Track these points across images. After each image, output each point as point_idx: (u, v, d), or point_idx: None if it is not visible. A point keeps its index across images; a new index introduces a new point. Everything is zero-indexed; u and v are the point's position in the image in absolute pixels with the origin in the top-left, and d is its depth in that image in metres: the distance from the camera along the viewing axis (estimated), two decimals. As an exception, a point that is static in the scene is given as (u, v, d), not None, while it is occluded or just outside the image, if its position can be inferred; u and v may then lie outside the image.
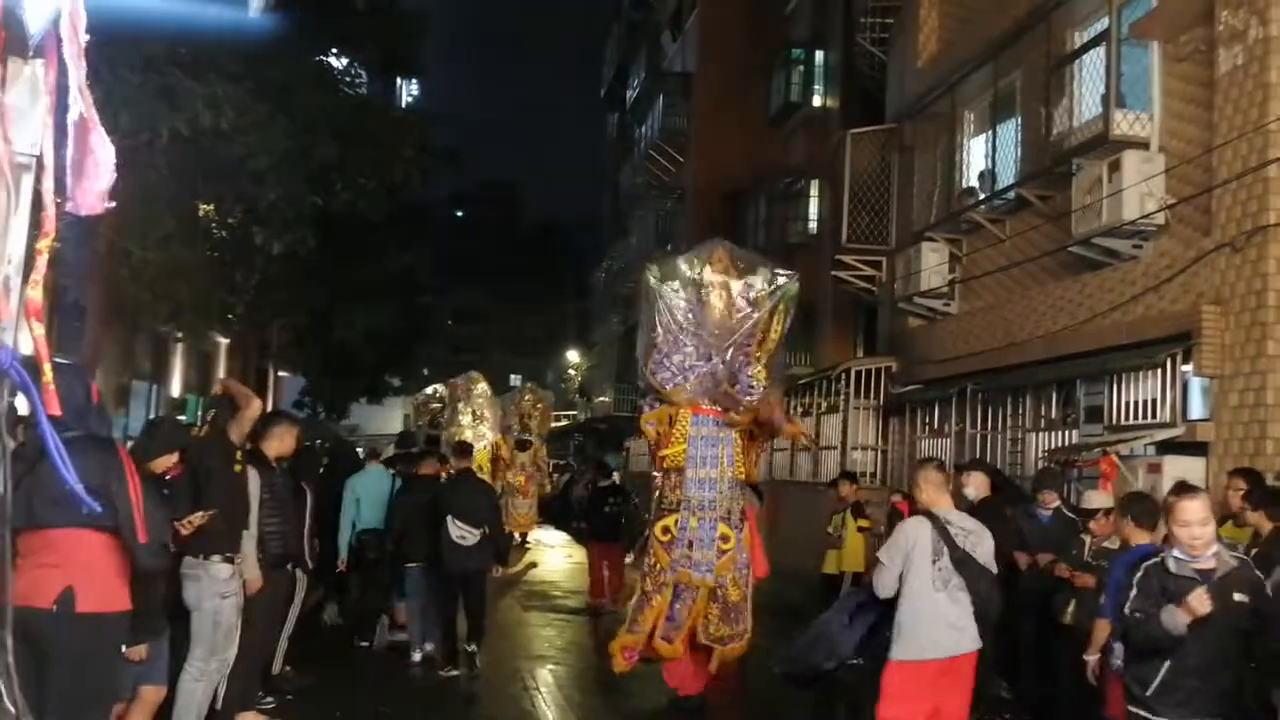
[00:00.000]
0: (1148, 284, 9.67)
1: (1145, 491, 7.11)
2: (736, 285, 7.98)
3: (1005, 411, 12.00)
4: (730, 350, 7.86)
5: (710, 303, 7.93)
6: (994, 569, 5.67)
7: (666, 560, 7.83)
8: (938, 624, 5.45)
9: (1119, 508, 6.40)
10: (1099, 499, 7.41)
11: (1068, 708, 7.35)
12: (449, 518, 8.95)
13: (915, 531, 5.58)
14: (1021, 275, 11.90)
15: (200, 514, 5.62)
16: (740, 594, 7.89)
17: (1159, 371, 9.32)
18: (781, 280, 8.10)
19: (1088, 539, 7.17)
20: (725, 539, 7.81)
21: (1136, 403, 9.65)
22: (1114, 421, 9.87)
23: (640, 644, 7.88)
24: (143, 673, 5.23)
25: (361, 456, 12.38)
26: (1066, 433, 10.81)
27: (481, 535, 9.05)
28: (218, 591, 5.99)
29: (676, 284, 7.98)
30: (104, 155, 1.67)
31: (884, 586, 5.59)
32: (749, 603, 7.97)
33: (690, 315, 7.90)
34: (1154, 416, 9.37)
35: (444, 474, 10.31)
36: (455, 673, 8.90)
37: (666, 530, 7.89)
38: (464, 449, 10.88)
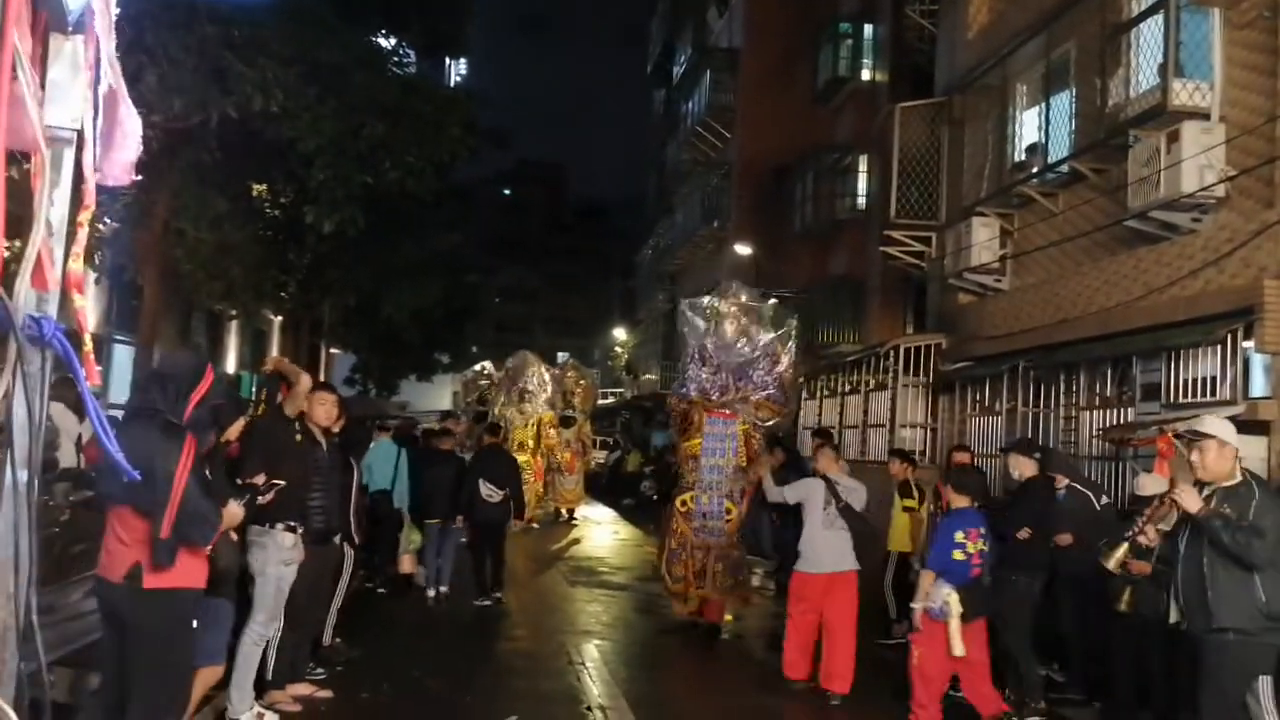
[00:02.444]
0: (1207, 258, 9.44)
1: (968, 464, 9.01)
2: (746, 316, 10.40)
3: (1058, 389, 11.80)
4: (748, 367, 10.12)
5: (726, 329, 10.34)
6: (869, 514, 8.28)
7: (686, 528, 10.13)
8: (824, 550, 8.12)
9: (944, 476, 7.91)
10: (1153, 484, 7.25)
11: (1125, 694, 7.26)
12: (480, 480, 11.22)
13: (813, 487, 8.35)
14: (1075, 250, 11.68)
15: (264, 480, 5.76)
16: (740, 553, 10.22)
17: (1219, 348, 9.09)
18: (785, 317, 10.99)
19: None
20: (729, 511, 10.09)
21: (1195, 380, 9.44)
22: (1171, 399, 9.66)
23: (683, 591, 10.19)
24: (204, 650, 5.25)
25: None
26: (1122, 411, 10.61)
27: (504, 496, 11.33)
28: (281, 559, 6.15)
29: (704, 316, 10.42)
30: (131, 127, 1.66)
31: (773, 495, 8.79)
32: (744, 559, 10.42)
33: (714, 340, 10.23)
34: (1213, 394, 9.15)
35: (480, 446, 12.69)
36: (486, 603, 11.10)
37: (684, 504, 10.21)
38: (493, 429, 13.76)
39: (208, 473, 4.66)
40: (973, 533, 6.93)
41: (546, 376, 21.40)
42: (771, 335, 10.38)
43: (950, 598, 6.75)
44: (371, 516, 10.61)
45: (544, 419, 20.67)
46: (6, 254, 1.32)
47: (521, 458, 19.65)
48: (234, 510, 4.82)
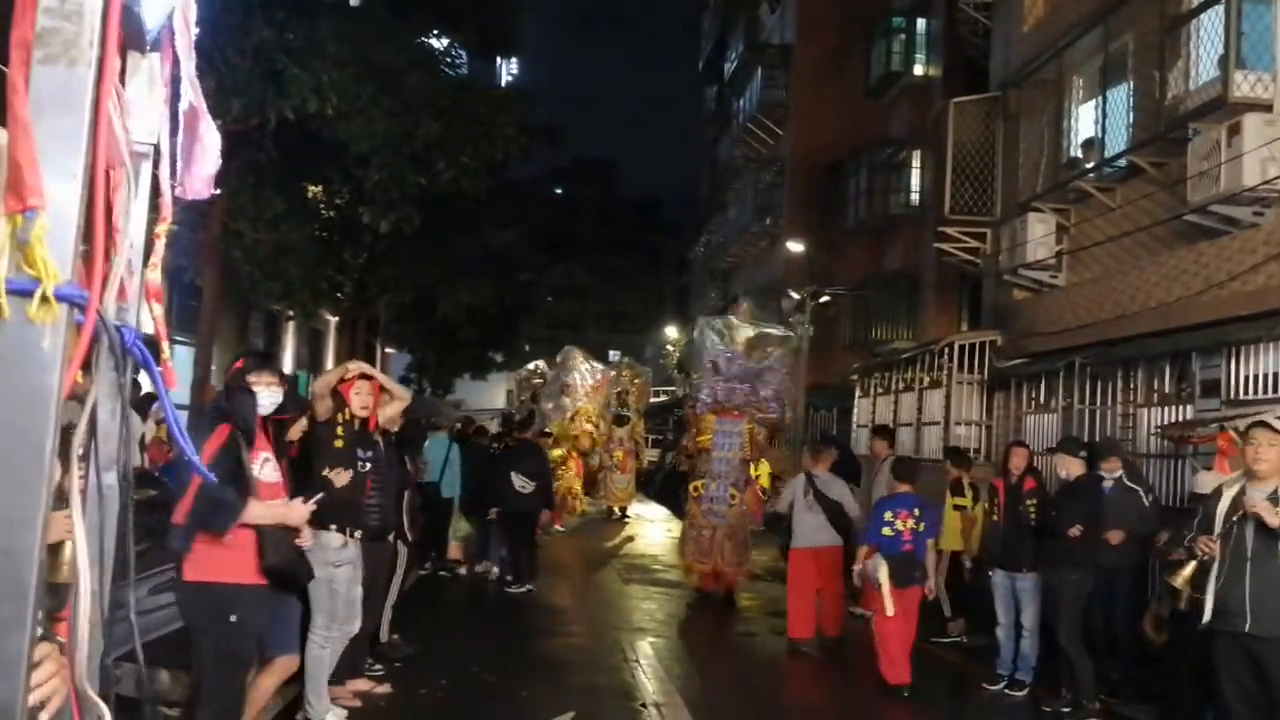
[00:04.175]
0: (1269, 252, 9.27)
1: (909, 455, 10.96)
2: (755, 333, 12.23)
3: (1115, 386, 11.64)
4: (756, 376, 11.81)
5: (737, 345, 11.94)
6: (845, 501, 9.83)
7: (697, 510, 11.79)
8: (808, 529, 9.76)
9: (891, 467, 9.31)
10: (1213, 482, 7.15)
11: (1186, 695, 7.14)
12: (513, 473, 11.97)
13: (795, 482, 10.15)
14: (1132, 245, 11.51)
15: (346, 477, 5.91)
16: (744, 534, 11.83)
17: (1280, 344, 8.95)
18: (789, 335, 13.32)
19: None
20: (734, 497, 11.69)
21: (1256, 376, 9.28)
22: (1232, 396, 9.52)
23: (692, 565, 11.83)
24: (276, 642, 5.36)
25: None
26: (1181, 408, 10.45)
27: (536, 487, 12.07)
28: (329, 560, 6.18)
29: (718, 333, 12.04)
30: (210, 142, 1.73)
31: (779, 505, 10.48)
32: (748, 540, 12.00)
33: (728, 353, 11.87)
34: (1275, 391, 9.00)
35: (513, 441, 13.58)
36: (520, 589, 11.78)
37: (696, 490, 11.86)
38: (523, 424, 14.80)
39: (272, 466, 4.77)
40: (902, 513, 8.21)
41: (590, 371, 21.24)
42: (778, 351, 12.22)
43: (881, 567, 8.04)
44: (422, 505, 10.86)
45: (579, 411, 20.50)
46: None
47: (556, 452, 19.48)
48: (297, 508, 4.90)
